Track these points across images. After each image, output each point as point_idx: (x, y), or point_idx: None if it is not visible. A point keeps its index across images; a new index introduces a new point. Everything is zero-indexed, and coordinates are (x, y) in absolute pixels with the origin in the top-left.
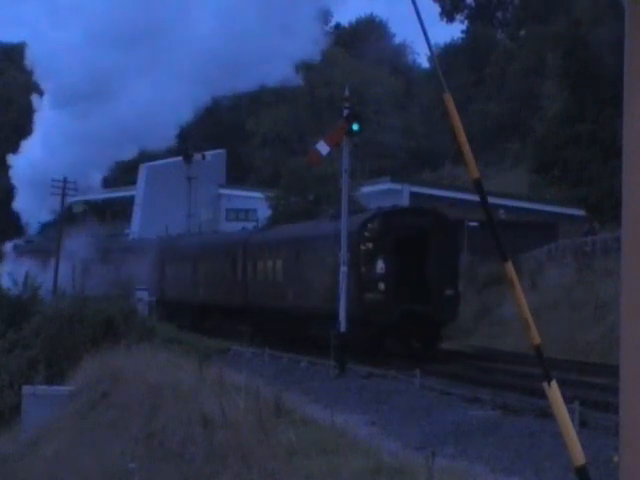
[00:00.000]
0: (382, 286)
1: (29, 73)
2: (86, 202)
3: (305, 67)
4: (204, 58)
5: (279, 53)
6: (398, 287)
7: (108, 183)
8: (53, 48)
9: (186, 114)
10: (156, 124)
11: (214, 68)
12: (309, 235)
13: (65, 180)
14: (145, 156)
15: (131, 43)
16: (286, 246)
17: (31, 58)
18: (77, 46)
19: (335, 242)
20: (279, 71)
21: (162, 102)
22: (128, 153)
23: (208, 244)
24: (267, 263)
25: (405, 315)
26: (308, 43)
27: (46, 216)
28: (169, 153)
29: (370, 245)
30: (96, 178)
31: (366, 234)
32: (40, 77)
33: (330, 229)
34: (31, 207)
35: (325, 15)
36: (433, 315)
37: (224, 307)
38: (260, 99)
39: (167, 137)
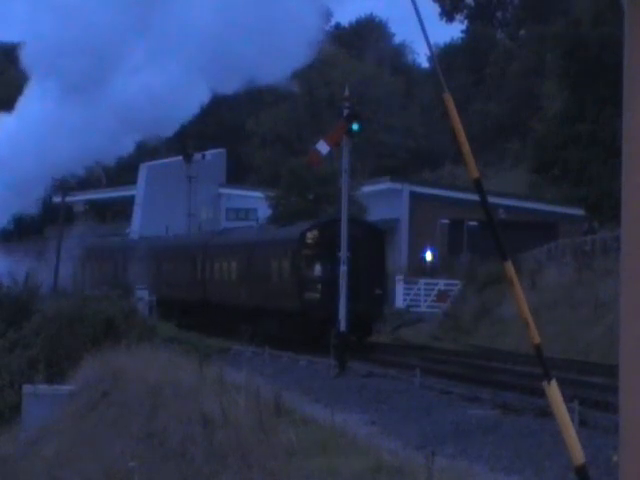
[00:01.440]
0: (320, 287)
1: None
2: (86, 202)
3: (302, 70)
4: (200, 51)
5: (276, 53)
6: (334, 287)
7: (109, 183)
8: (52, 42)
9: (191, 106)
10: (159, 113)
11: (210, 62)
12: (260, 240)
13: (65, 179)
14: (144, 152)
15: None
16: (240, 249)
17: (30, 56)
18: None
19: (281, 247)
20: (275, 72)
21: (166, 91)
22: (129, 143)
23: (172, 246)
24: (223, 264)
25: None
26: (305, 43)
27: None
28: (168, 150)
29: (309, 251)
30: (98, 168)
31: (306, 242)
32: (38, 69)
33: (278, 235)
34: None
35: (325, 15)
36: (365, 312)
37: (185, 303)
38: (260, 99)
39: (170, 126)
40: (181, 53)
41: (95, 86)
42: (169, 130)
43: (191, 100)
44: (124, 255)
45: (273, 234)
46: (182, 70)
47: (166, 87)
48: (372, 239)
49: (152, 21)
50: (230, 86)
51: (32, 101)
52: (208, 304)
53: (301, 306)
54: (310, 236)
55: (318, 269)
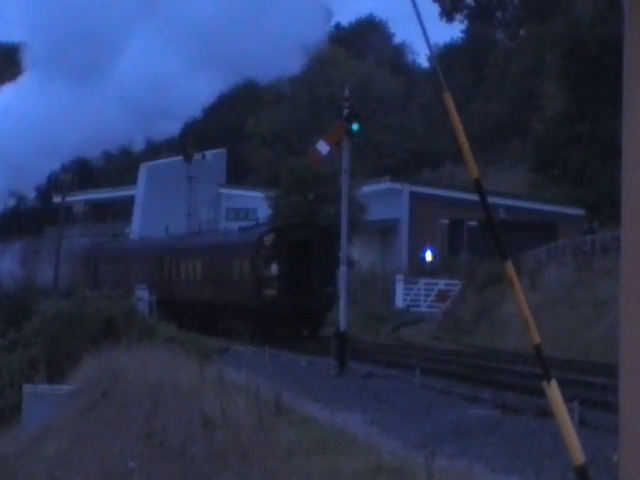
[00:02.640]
0: (276, 284)
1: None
2: (86, 202)
3: (302, 70)
4: (202, 44)
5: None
6: (288, 285)
7: (109, 183)
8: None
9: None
10: (162, 103)
11: (210, 56)
12: (222, 243)
13: (65, 179)
14: (148, 150)
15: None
16: (204, 251)
17: (31, 47)
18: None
19: (241, 249)
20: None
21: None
22: (133, 133)
23: (141, 247)
24: (189, 265)
25: (294, 307)
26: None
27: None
28: (168, 150)
29: (266, 252)
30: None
31: (264, 244)
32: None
33: (239, 238)
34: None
35: (326, 15)
36: (316, 307)
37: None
38: (260, 99)
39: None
40: (184, 45)
41: (95, 73)
42: (173, 124)
43: (196, 93)
44: (96, 256)
45: (234, 237)
46: (185, 61)
47: (169, 78)
48: (323, 240)
49: (157, 11)
50: (228, 81)
51: (32, 85)
52: (175, 302)
53: (259, 302)
54: (267, 239)
55: (274, 268)
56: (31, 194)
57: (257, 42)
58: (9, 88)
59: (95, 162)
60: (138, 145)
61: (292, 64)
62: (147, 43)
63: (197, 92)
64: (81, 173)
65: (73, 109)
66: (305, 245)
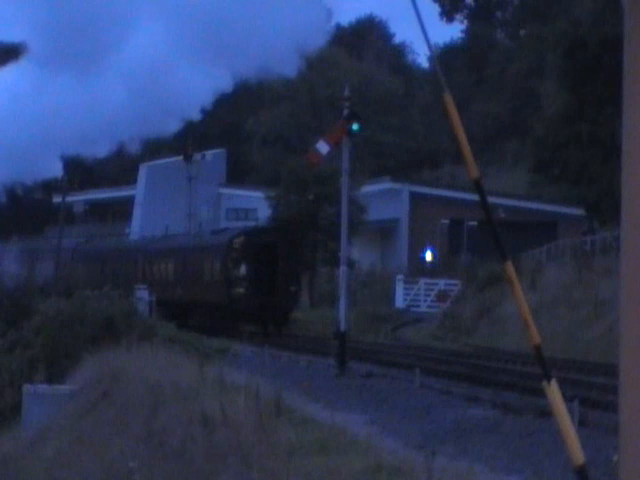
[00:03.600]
0: (244, 284)
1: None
2: (86, 202)
3: (302, 70)
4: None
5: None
6: (256, 285)
7: (108, 183)
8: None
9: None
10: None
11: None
12: (194, 245)
13: (66, 178)
14: (149, 148)
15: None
16: (176, 252)
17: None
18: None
19: (212, 251)
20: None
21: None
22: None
23: (117, 248)
24: (161, 265)
25: (261, 305)
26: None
27: None
28: (168, 150)
29: (236, 254)
30: (102, 150)
31: (233, 246)
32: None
33: (210, 241)
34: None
35: (327, 15)
36: (281, 305)
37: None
38: (261, 99)
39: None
40: (185, 39)
41: (96, 64)
42: (173, 120)
43: (196, 89)
44: (72, 256)
45: (206, 240)
46: (187, 56)
47: (170, 73)
48: (288, 244)
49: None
50: (229, 77)
51: (33, 77)
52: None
53: (229, 300)
54: (237, 242)
55: (243, 269)
56: (33, 186)
57: (259, 38)
58: (8, 79)
59: (96, 158)
60: (135, 144)
61: (292, 63)
62: (149, 35)
63: (198, 88)
64: (81, 173)
65: (73, 101)
66: (271, 248)
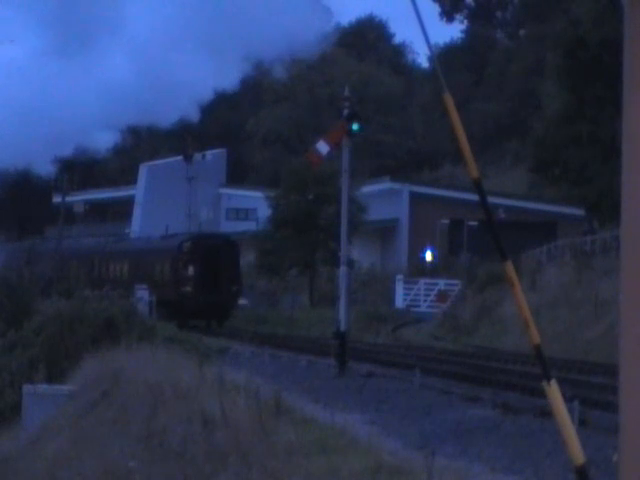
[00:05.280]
0: (192, 283)
1: None
2: (86, 202)
3: (302, 69)
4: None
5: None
6: (202, 284)
7: (109, 183)
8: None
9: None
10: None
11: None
12: (146, 247)
13: (65, 178)
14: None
15: None
16: (130, 254)
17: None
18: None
19: (164, 253)
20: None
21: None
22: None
23: (75, 249)
24: (117, 265)
25: (206, 302)
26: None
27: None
28: (168, 150)
29: (184, 257)
30: (104, 141)
31: (182, 249)
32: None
33: (161, 244)
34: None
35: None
36: (224, 302)
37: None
38: (261, 98)
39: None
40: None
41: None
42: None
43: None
44: (30, 256)
45: (157, 243)
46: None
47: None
48: (229, 248)
49: None
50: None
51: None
52: None
53: (178, 297)
54: (185, 246)
55: (191, 270)
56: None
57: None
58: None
59: (99, 151)
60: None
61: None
62: (153, 16)
63: (201, 77)
64: (82, 169)
65: (72, 90)
66: (215, 252)
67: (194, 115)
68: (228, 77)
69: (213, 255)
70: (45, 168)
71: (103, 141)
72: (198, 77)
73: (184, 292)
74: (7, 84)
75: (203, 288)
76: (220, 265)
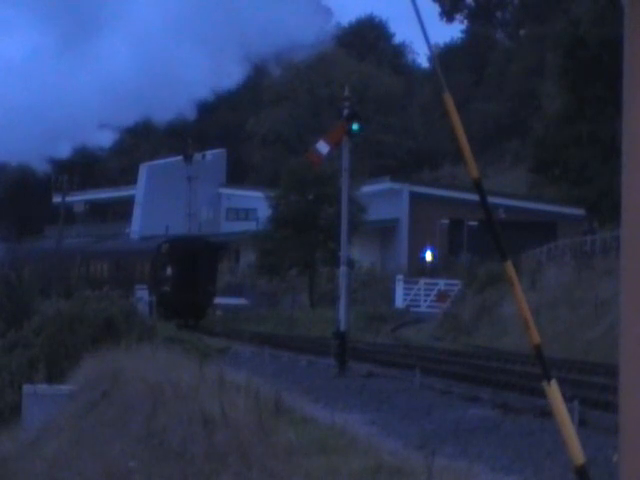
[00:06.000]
0: (170, 283)
1: None
2: (86, 202)
3: (303, 69)
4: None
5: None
6: (179, 284)
7: (108, 183)
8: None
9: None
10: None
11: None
12: (127, 249)
13: (65, 179)
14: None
15: None
16: (109, 255)
17: None
18: None
19: (144, 254)
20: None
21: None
22: (132, 117)
23: (56, 251)
24: (97, 265)
25: (183, 301)
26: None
27: None
28: (168, 150)
29: (163, 258)
30: (105, 138)
31: (161, 251)
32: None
33: (141, 246)
34: None
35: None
36: (200, 301)
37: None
38: (261, 98)
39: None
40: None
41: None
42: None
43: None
44: (14, 257)
45: (137, 245)
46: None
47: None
48: (208, 251)
49: None
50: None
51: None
52: None
53: (157, 296)
54: (164, 247)
55: (169, 270)
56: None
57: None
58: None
59: (101, 147)
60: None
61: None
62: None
63: (202, 73)
64: (83, 167)
65: (69, 88)
66: (193, 254)
67: (190, 113)
68: (227, 76)
69: (190, 257)
70: (42, 166)
71: (101, 138)
72: (196, 75)
73: (163, 292)
74: (5, 81)
75: (180, 288)
76: (197, 266)
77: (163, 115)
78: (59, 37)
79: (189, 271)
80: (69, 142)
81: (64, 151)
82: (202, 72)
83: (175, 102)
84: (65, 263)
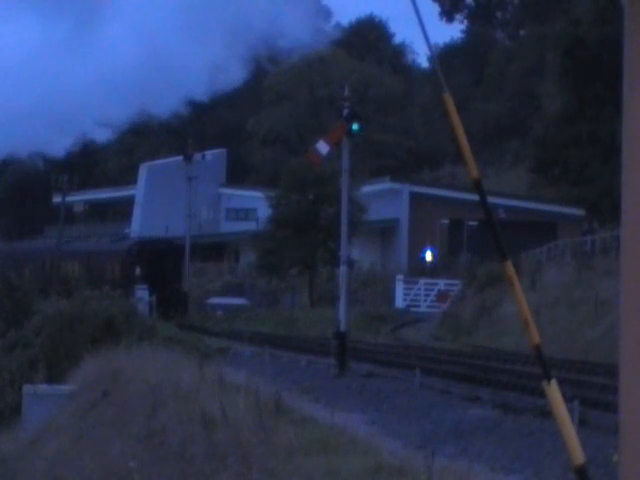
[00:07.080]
0: (139, 282)
1: None
2: (86, 202)
3: (303, 69)
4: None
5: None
6: (148, 283)
7: (108, 182)
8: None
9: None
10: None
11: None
12: (97, 249)
13: (65, 178)
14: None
15: None
16: (81, 255)
17: None
18: None
19: (114, 255)
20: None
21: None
22: (128, 112)
23: (30, 251)
24: (69, 265)
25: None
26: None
27: None
28: (168, 150)
29: (133, 259)
30: (102, 134)
31: (132, 252)
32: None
33: (112, 247)
34: None
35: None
36: (169, 299)
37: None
38: (260, 98)
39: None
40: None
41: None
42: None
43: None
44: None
45: (107, 246)
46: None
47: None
48: (174, 252)
49: None
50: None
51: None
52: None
53: (126, 295)
54: (134, 248)
55: (138, 270)
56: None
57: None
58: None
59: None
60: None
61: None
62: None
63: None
64: (81, 172)
65: (72, 79)
66: (161, 255)
67: (187, 109)
68: (225, 75)
69: (159, 257)
70: (39, 163)
71: (100, 133)
72: (194, 74)
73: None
74: (5, 75)
75: (149, 287)
76: (165, 266)
77: (161, 110)
78: (60, 31)
79: (157, 271)
80: (68, 135)
81: (63, 145)
82: (201, 71)
83: (173, 98)
84: (36, 263)
